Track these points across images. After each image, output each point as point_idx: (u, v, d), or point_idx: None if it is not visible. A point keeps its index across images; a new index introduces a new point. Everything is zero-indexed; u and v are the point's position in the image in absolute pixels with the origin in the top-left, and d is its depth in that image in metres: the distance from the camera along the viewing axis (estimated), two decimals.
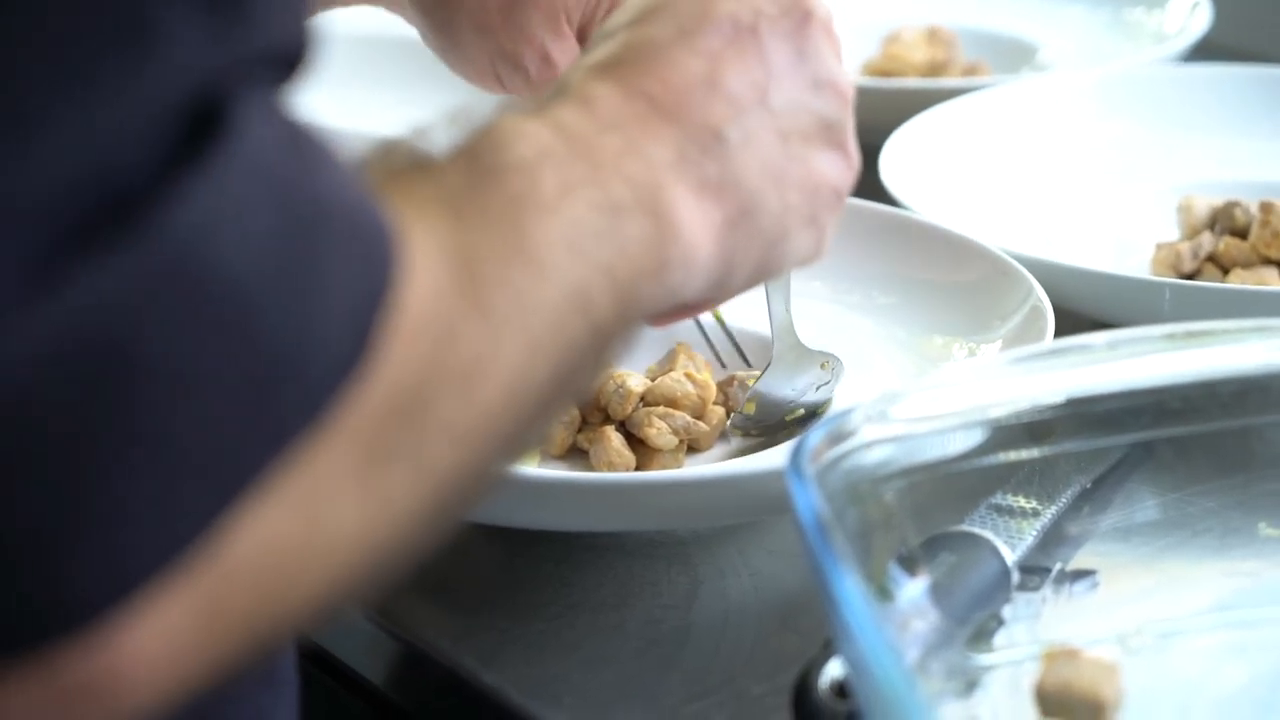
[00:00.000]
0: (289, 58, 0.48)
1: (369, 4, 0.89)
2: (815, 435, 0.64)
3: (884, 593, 0.65)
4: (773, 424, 0.89)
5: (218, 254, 0.44)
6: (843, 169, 0.68)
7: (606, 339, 0.57)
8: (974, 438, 0.70)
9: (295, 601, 0.48)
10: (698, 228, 0.60)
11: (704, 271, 0.61)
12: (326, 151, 0.48)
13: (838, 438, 0.65)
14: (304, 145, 0.48)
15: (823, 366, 0.90)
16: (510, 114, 0.58)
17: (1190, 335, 0.71)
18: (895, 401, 0.67)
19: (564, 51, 0.83)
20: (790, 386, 0.89)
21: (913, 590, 0.66)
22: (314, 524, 0.47)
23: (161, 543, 0.44)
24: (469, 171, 0.55)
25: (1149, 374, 0.71)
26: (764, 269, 0.65)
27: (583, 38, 0.83)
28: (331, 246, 0.47)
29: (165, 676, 0.45)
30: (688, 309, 0.71)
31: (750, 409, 0.89)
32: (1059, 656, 0.64)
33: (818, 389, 0.90)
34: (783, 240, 0.65)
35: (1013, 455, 0.72)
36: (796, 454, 0.62)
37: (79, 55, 0.43)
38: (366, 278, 0.48)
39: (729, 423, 0.90)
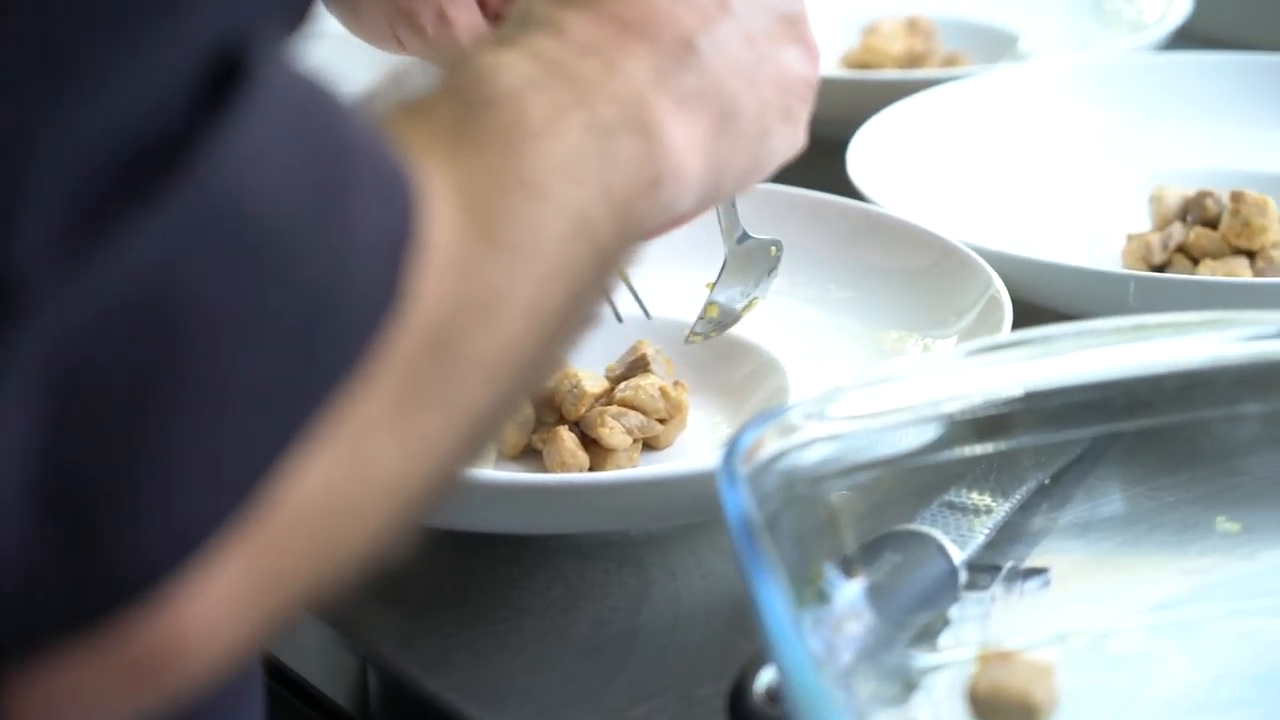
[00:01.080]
0: (296, 5, 0.48)
1: None
2: (749, 435, 0.62)
3: (821, 595, 0.64)
4: (731, 321, 0.90)
5: (255, 197, 0.44)
6: (807, 60, 0.69)
7: (609, 261, 0.57)
8: (922, 434, 0.69)
9: (344, 552, 0.48)
10: (684, 140, 0.61)
11: (695, 182, 0.61)
12: (338, 96, 0.48)
13: (774, 437, 0.63)
14: (320, 90, 0.48)
15: (771, 252, 0.90)
16: (485, 49, 0.58)
17: (1137, 329, 0.70)
18: (836, 399, 0.66)
19: (461, 9, 0.83)
20: (745, 282, 0.90)
21: (849, 592, 0.64)
22: (360, 471, 0.47)
23: (222, 500, 0.43)
24: (457, 109, 0.55)
25: (1096, 368, 0.70)
26: (751, 171, 0.66)
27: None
28: (359, 188, 0.47)
29: (225, 640, 0.44)
30: (680, 220, 0.71)
31: (714, 312, 0.90)
32: (993, 658, 0.63)
33: (769, 274, 0.90)
34: (764, 139, 0.66)
35: (965, 451, 0.70)
36: (729, 454, 0.61)
37: (116, 8, 0.42)
38: (394, 218, 0.48)
39: (691, 329, 0.90)
